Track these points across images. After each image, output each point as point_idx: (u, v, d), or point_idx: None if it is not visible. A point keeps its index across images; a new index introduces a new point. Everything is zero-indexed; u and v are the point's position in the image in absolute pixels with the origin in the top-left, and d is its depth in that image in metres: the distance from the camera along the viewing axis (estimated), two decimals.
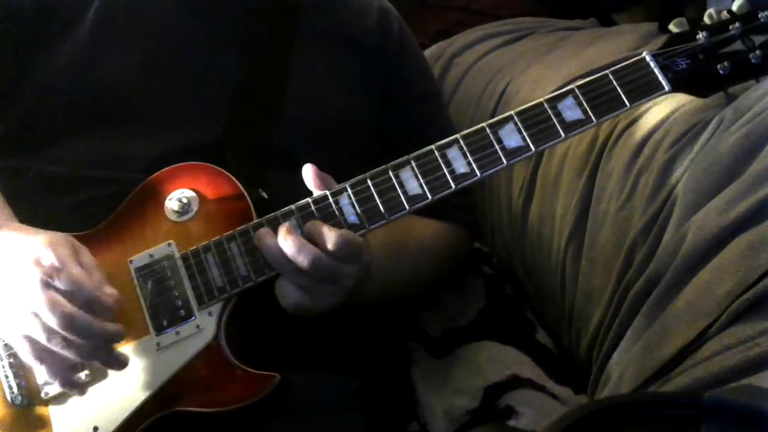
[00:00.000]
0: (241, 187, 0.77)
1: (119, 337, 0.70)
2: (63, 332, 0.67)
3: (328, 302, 0.73)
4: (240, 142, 0.85)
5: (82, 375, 0.73)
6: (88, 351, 0.69)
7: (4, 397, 0.74)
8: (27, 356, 0.69)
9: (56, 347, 0.68)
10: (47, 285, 0.67)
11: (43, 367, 0.69)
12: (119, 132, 0.85)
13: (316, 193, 0.74)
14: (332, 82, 0.92)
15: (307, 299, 0.72)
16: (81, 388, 0.72)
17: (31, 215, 0.80)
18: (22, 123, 0.87)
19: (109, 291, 0.69)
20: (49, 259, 0.69)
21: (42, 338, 0.68)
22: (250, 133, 0.86)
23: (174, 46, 0.89)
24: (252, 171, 0.83)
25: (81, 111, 0.86)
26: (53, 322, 0.67)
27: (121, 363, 0.71)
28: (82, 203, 0.82)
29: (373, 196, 0.73)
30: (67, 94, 0.86)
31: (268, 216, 0.75)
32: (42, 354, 0.69)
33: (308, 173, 0.74)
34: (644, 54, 0.74)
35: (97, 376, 0.73)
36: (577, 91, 0.73)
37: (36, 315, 0.67)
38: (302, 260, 0.69)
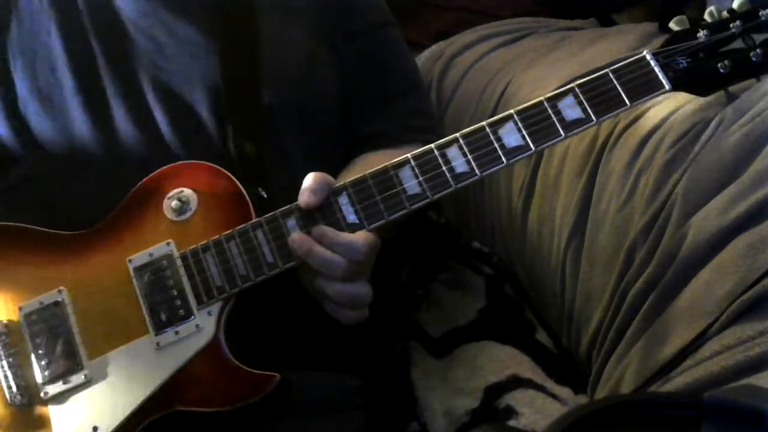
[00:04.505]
0: (241, 186, 0.77)
1: None
2: None
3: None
4: (239, 129, 0.84)
5: (81, 376, 0.73)
6: None
7: (4, 397, 0.74)
8: None
9: None
10: None
11: None
12: (109, 123, 0.85)
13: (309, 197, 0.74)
14: (296, 49, 0.91)
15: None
16: None
17: (32, 216, 0.80)
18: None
19: None
20: None
21: None
22: (245, 118, 0.86)
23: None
24: (253, 159, 0.83)
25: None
26: None
27: None
28: (82, 202, 0.82)
29: (373, 196, 0.73)
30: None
31: (267, 215, 0.75)
32: None
33: (307, 181, 0.73)
34: (645, 53, 0.74)
35: (96, 376, 0.73)
36: (577, 89, 0.73)
37: None
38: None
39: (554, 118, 0.73)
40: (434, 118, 1.03)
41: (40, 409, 0.74)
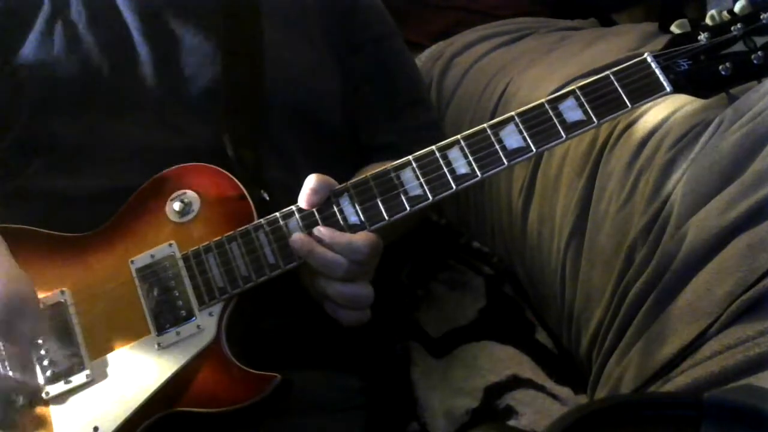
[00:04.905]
0: (243, 188, 0.77)
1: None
2: None
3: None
4: (237, 137, 0.85)
5: (83, 376, 0.73)
6: None
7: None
8: None
9: None
10: None
11: None
12: (116, 128, 0.85)
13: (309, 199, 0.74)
14: (297, 54, 0.92)
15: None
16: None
17: (34, 218, 0.80)
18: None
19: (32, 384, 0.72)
20: None
21: None
22: (244, 125, 0.86)
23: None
24: (253, 165, 0.83)
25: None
26: None
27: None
28: (84, 204, 0.82)
29: (375, 197, 0.73)
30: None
31: (268, 217, 0.75)
32: None
33: (308, 182, 0.73)
34: (646, 55, 0.74)
35: (97, 377, 0.73)
36: (578, 92, 0.73)
37: None
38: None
39: (555, 120, 0.73)
40: (440, 126, 1.03)
41: (40, 410, 0.74)
